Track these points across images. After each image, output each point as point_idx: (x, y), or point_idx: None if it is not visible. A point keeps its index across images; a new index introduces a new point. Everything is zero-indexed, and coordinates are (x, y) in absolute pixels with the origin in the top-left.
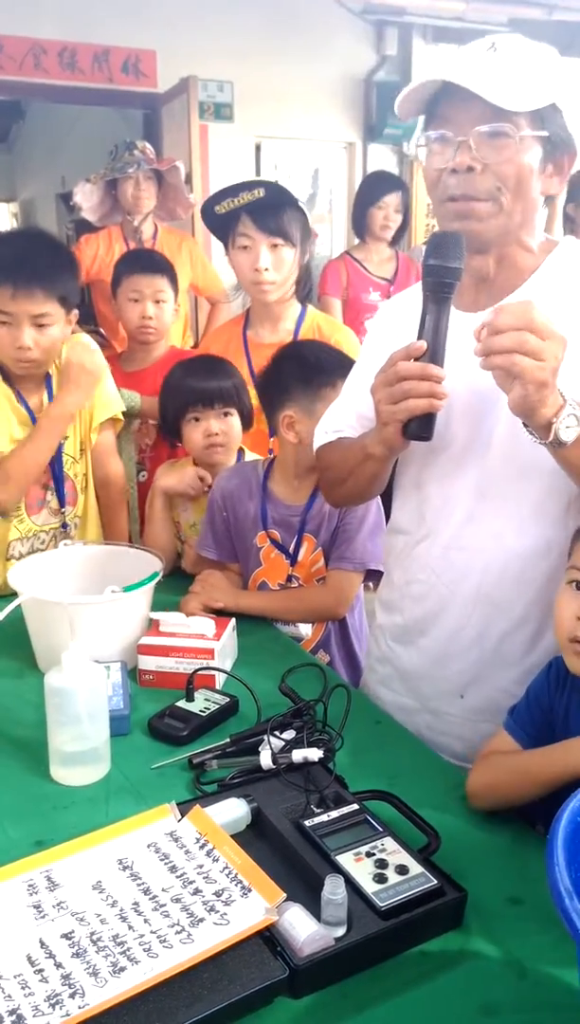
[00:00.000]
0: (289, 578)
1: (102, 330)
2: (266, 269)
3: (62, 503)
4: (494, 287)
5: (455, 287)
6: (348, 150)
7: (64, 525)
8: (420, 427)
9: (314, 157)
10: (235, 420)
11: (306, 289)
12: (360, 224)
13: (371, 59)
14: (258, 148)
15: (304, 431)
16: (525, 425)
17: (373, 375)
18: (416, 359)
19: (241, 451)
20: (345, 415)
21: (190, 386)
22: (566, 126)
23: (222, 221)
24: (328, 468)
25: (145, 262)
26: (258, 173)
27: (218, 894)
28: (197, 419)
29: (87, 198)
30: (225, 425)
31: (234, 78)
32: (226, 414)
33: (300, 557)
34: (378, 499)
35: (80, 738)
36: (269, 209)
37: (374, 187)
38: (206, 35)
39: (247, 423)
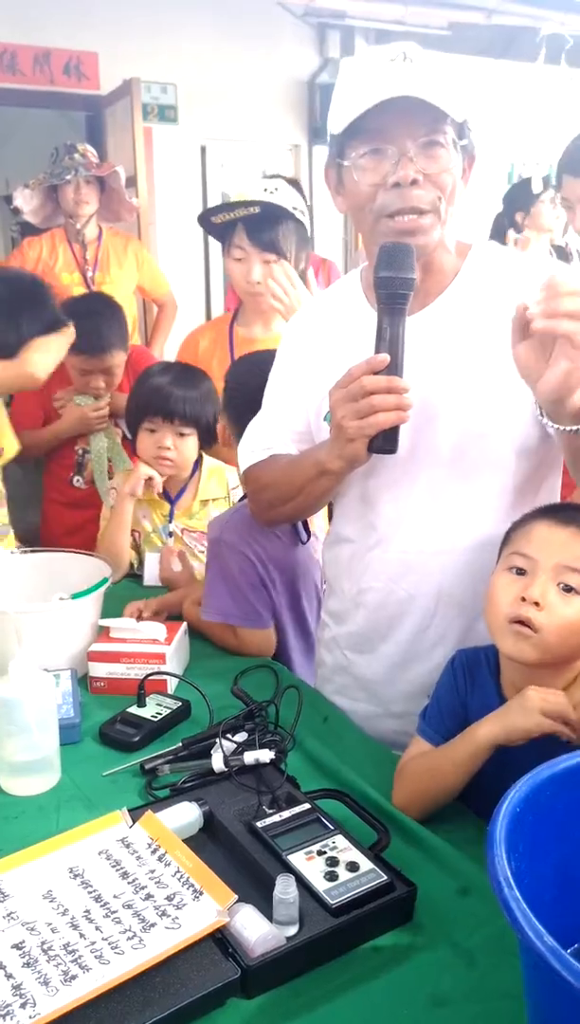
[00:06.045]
0: None
1: None
2: (258, 283)
3: None
4: (420, 292)
5: (409, 297)
6: (294, 152)
7: None
8: (386, 441)
9: (260, 159)
10: (191, 441)
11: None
12: None
13: (314, 61)
14: (204, 150)
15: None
16: (542, 415)
17: (296, 386)
18: (376, 372)
19: (200, 458)
20: (275, 431)
21: (154, 390)
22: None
23: (220, 228)
24: (265, 487)
25: (92, 342)
26: (204, 175)
27: (170, 898)
28: (152, 430)
29: (27, 202)
30: (180, 444)
31: (177, 80)
32: (182, 434)
33: None
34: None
35: (29, 748)
36: (264, 223)
37: None
38: (148, 37)
39: (209, 440)
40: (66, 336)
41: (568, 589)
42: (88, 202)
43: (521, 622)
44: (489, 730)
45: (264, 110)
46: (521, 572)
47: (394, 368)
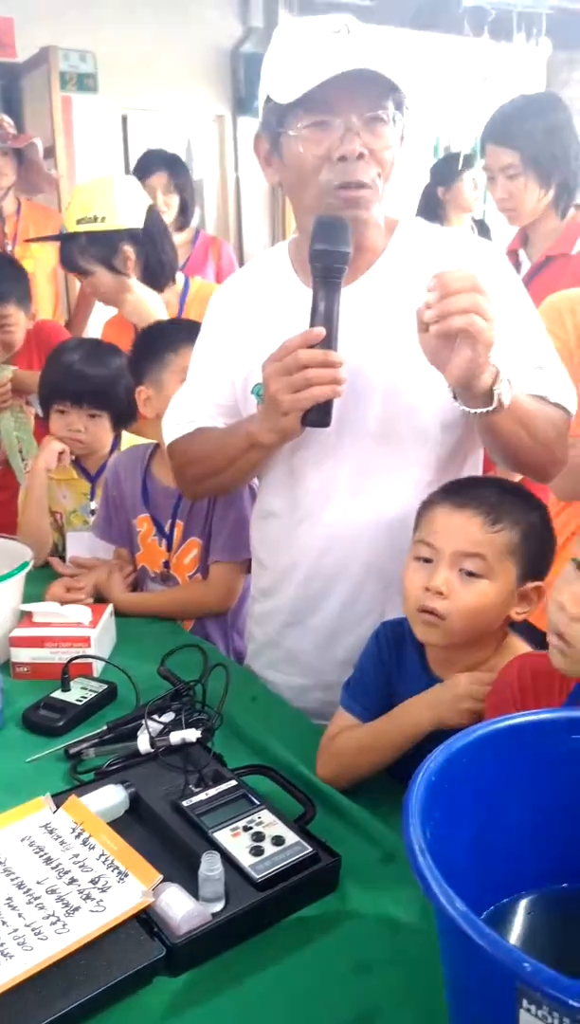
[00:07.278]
0: (165, 564)
1: None
2: (92, 295)
3: None
4: (349, 267)
5: (344, 271)
6: (218, 123)
7: None
8: (319, 414)
9: (184, 130)
10: (102, 422)
11: (169, 270)
12: None
13: (237, 30)
14: (125, 120)
15: (159, 405)
16: (455, 398)
17: (222, 359)
18: (312, 346)
19: (118, 436)
20: (200, 405)
21: (64, 368)
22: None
23: None
24: (192, 462)
25: None
26: (126, 145)
27: (94, 882)
28: (62, 412)
29: None
30: (91, 425)
31: (96, 48)
32: (92, 415)
33: (174, 543)
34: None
35: None
36: (62, 248)
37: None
38: (65, 2)
39: (123, 420)
40: None
41: (470, 574)
42: (5, 174)
43: (428, 611)
44: (427, 718)
45: (187, 80)
46: (427, 560)
47: (329, 342)
